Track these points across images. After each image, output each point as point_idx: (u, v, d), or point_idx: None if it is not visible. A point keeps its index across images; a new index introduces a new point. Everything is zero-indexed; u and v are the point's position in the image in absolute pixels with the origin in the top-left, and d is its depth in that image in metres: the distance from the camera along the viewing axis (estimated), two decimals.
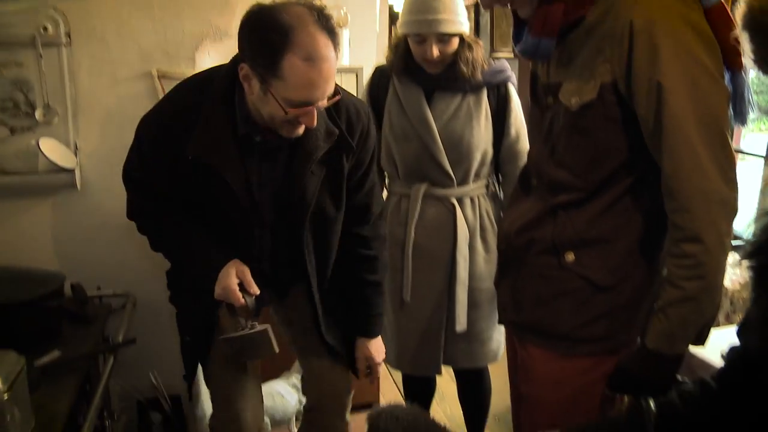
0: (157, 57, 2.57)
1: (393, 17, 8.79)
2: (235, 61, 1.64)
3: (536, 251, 1.64)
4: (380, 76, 2.49)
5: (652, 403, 0.95)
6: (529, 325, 1.73)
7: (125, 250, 2.55)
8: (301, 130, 1.65)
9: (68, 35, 2.45)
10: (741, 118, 1.46)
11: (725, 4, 1.38)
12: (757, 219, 1.06)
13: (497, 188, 2.58)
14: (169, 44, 2.56)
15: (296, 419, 2.70)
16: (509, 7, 1.58)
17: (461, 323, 2.45)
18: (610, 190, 1.53)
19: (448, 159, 2.39)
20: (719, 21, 1.37)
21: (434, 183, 2.43)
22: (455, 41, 2.30)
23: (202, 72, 1.84)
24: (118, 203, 2.47)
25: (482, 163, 2.44)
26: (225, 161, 1.68)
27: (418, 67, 2.36)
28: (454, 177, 2.41)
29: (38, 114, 2.42)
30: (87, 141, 2.49)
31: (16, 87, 2.42)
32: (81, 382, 1.89)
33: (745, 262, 0.91)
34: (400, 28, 2.35)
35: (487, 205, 2.50)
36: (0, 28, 2.35)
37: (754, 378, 0.78)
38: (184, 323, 1.97)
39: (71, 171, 2.37)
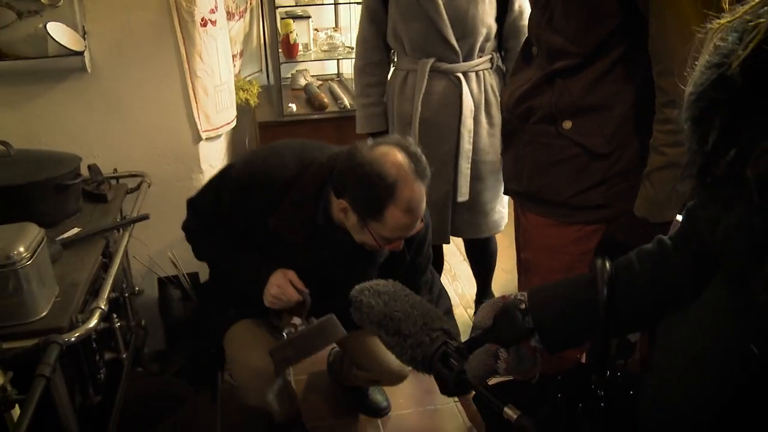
0: None
1: None
2: (332, 159, 1.84)
3: (535, 119, 1.68)
4: None
5: (607, 263, 0.99)
6: (529, 193, 1.78)
7: (138, 132, 2.60)
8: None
9: None
10: None
11: None
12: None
13: (501, 63, 2.59)
14: None
15: None
16: None
17: (463, 194, 2.53)
18: (606, 57, 1.55)
19: (454, 34, 2.40)
20: None
21: (440, 58, 2.45)
22: None
23: (299, 148, 1.96)
24: (129, 86, 2.55)
25: (487, 38, 2.45)
26: (299, 241, 1.88)
27: None
28: (459, 51, 2.44)
29: None
30: (94, 24, 2.49)
31: None
32: (100, 255, 1.98)
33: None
34: None
35: (491, 80, 2.53)
36: None
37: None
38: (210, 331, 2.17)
39: (81, 54, 2.39)
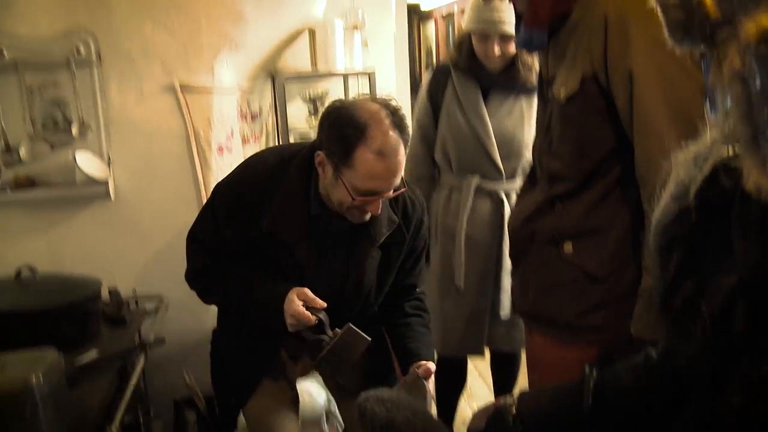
0: (179, 70, 2.70)
1: (421, 16, 8.90)
2: (313, 147, 1.80)
3: (539, 242, 1.70)
4: (440, 75, 2.65)
5: (594, 371, 1.02)
6: (534, 313, 1.79)
7: (157, 255, 2.70)
8: (367, 216, 1.78)
9: (98, 55, 2.60)
10: (714, 107, 1.49)
11: None
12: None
13: None
14: (189, 57, 2.70)
15: (326, 418, 2.79)
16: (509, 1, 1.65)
17: (505, 309, 2.58)
18: (602, 180, 1.58)
19: (500, 155, 2.51)
20: None
21: (485, 176, 2.55)
22: (513, 44, 2.40)
23: (279, 148, 2.01)
24: (150, 210, 2.65)
25: (529, 161, 2.55)
26: (296, 237, 1.80)
27: (478, 65, 2.49)
28: (503, 172, 2.53)
29: (74, 129, 2.58)
30: (119, 152, 2.64)
31: (55, 105, 2.58)
32: (116, 379, 2.01)
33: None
34: (465, 26, 2.48)
35: None
36: (39, 53, 2.52)
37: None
38: (227, 384, 2.06)
39: (105, 182, 2.52)
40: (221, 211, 1.88)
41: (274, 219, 1.78)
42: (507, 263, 2.54)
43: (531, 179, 1.82)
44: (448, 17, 8.09)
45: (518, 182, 2.55)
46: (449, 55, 2.65)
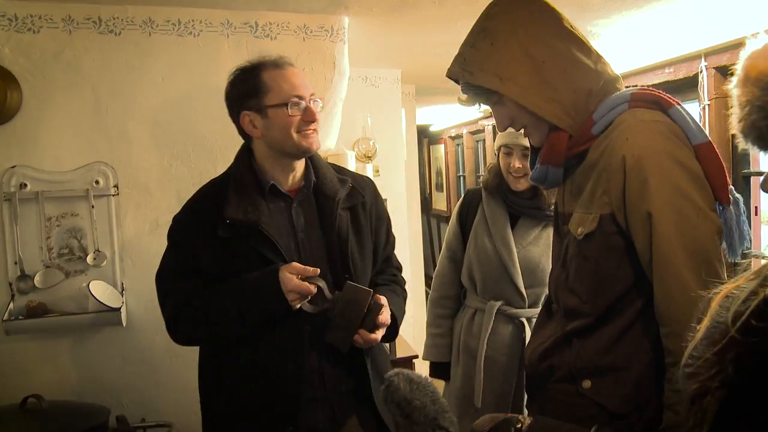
0: None
1: (431, 138, 9.18)
2: (243, 146, 1.99)
3: (556, 378, 1.68)
4: (471, 198, 2.78)
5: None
6: None
7: (167, 383, 2.73)
8: (315, 139, 1.90)
9: (116, 186, 2.73)
10: (732, 250, 1.52)
11: (712, 144, 1.50)
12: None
13: None
14: None
15: None
16: (524, 132, 1.69)
17: None
18: (620, 318, 1.58)
19: (524, 282, 2.57)
20: (707, 158, 1.48)
21: (508, 302, 2.61)
22: None
23: None
24: (159, 338, 2.70)
25: None
26: (258, 214, 1.85)
27: (507, 188, 2.59)
28: (526, 298, 2.58)
29: (89, 258, 2.68)
30: (132, 281, 2.72)
31: (72, 235, 2.69)
32: None
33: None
34: (495, 144, 2.63)
35: None
36: (62, 185, 2.65)
37: None
38: None
39: (117, 310, 2.59)
40: (180, 234, 1.94)
41: (233, 206, 1.84)
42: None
43: (548, 311, 1.82)
44: (457, 138, 8.36)
45: (539, 308, 2.59)
46: (482, 178, 2.78)
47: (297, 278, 1.78)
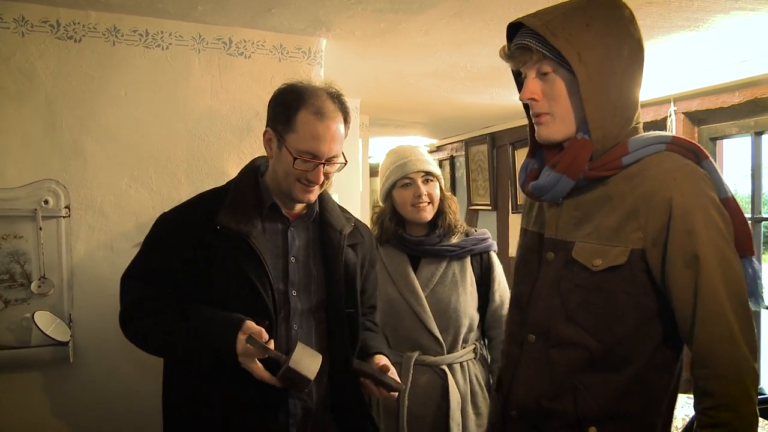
0: None
1: (370, 170, 9.11)
2: (254, 160, 1.96)
3: (558, 425, 1.61)
4: None
5: None
6: None
7: (117, 426, 2.46)
8: (312, 195, 1.83)
9: (68, 207, 2.48)
10: (755, 300, 1.51)
11: (735, 199, 1.51)
12: None
13: (485, 351, 2.62)
14: None
15: None
16: (538, 118, 1.61)
17: None
18: (631, 366, 1.54)
19: (437, 325, 2.42)
20: (733, 211, 1.49)
21: (425, 351, 2.45)
22: (437, 186, 2.47)
23: None
24: (111, 377, 2.46)
25: (470, 329, 2.50)
26: (251, 227, 1.79)
27: (403, 233, 2.45)
28: (444, 344, 2.44)
29: (34, 286, 2.40)
30: (81, 312, 2.47)
31: (13, 259, 2.41)
32: None
33: None
34: (383, 188, 2.46)
35: (476, 370, 2.54)
36: (5, 203, 2.38)
37: None
38: None
39: (65, 344, 2.32)
40: (165, 231, 1.88)
41: (227, 214, 1.79)
42: None
43: (516, 343, 1.74)
44: None
45: (460, 352, 2.49)
46: (373, 232, 2.57)
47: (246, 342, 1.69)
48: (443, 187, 2.55)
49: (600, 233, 1.54)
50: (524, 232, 1.82)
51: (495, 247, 2.62)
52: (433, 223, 2.50)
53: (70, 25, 2.48)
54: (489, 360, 2.64)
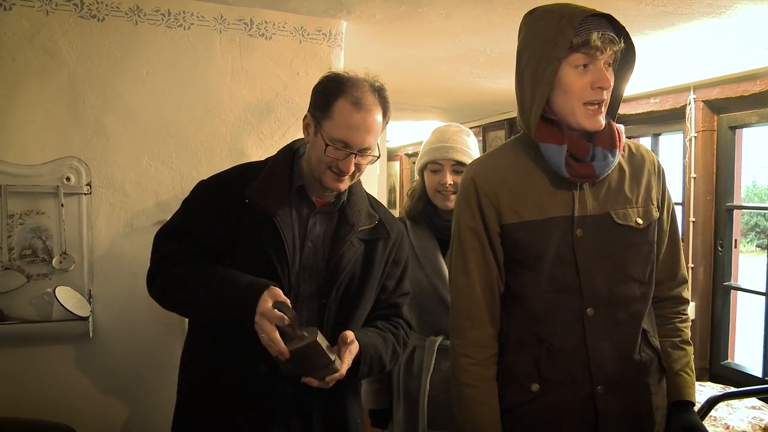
0: (174, 206, 2.58)
1: (387, 154, 9.12)
2: (293, 142, 1.96)
3: (646, 376, 1.75)
4: None
5: None
6: None
7: (134, 401, 2.50)
8: (342, 184, 1.82)
9: (89, 185, 2.51)
10: None
11: None
12: None
13: None
14: (185, 194, 2.57)
15: None
16: (599, 107, 1.66)
17: None
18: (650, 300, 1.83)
19: None
20: None
21: (448, 336, 2.43)
22: None
23: None
24: (129, 352, 2.49)
25: None
26: (277, 207, 1.80)
27: (433, 212, 2.43)
28: None
29: (55, 261, 2.44)
30: (101, 288, 2.50)
31: (36, 235, 2.45)
32: None
33: None
34: (418, 164, 2.44)
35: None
36: (28, 180, 2.42)
37: None
38: None
39: (85, 319, 2.36)
40: (200, 196, 1.90)
41: (257, 189, 1.81)
42: None
43: (568, 322, 1.71)
44: (414, 156, 8.29)
45: None
46: (404, 206, 2.58)
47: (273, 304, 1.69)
48: None
49: (636, 198, 1.75)
50: (531, 222, 1.73)
51: None
52: None
53: (94, 4, 2.50)
54: None
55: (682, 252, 1.88)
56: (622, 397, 1.69)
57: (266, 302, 1.68)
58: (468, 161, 2.36)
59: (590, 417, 1.68)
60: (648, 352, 1.75)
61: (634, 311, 1.72)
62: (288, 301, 1.70)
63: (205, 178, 1.94)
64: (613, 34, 1.61)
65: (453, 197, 2.37)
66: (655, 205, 1.77)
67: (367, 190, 2.11)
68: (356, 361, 1.81)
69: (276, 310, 1.66)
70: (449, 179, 2.36)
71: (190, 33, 2.63)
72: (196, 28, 2.63)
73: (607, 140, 1.69)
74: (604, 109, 1.67)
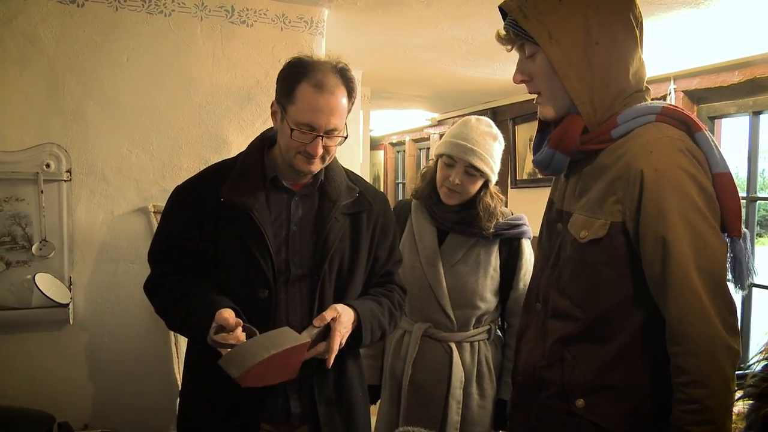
0: (155, 193, 2.63)
1: (370, 143, 9.10)
2: (266, 131, 1.95)
3: (547, 394, 1.62)
4: (400, 212, 2.56)
5: None
6: None
7: (114, 387, 2.50)
8: (313, 167, 1.82)
9: (69, 171, 2.51)
10: (739, 283, 1.49)
11: (732, 176, 1.46)
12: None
13: (502, 334, 2.58)
14: (166, 181, 2.63)
15: None
16: (535, 99, 1.62)
17: None
18: (619, 335, 1.53)
19: (451, 303, 2.40)
20: (725, 188, 1.45)
21: (435, 324, 2.43)
22: (479, 182, 2.37)
23: None
24: (109, 338, 2.49)
25: (485, 312, 2.45)
26: (253, 201, 1.80)
27: (436, 205, 2.43)
28: (455, 321, 2.42)
29: (35, 248, 2.44)
30: (81, 275, 2.50)
31: (15, 221, 2.44)
32: None
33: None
34: (437, 149, 2.43)
35: (486, 351, 2.48)
36: (7, 166, 2.40)
37: None
38: None
39: (65, 306, 2.36)
40: (177, 206, 1.89)
41: (231, 187, 1.81)
42: (453, 417, 2.41)
43: (527, 312, 1.76)
44: (398, 145, 8.29)
45: (471, 331, 2.45)
46: (414, 185, 2.58)
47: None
48: (491, 188, 2.48)
49: (589, 205, 1.54)
50: (550, 203, 1.81)
51: (530, 234, 2.55)
52: (466, 203, 2.44)
53: None
54: (504, 343, 2.60)
55: (689, 308, 1.41)
56: None
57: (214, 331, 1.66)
58: (484, 168, 2.33)
59: None
60: (553, 379, 1.61)
61: (561, 330, 1.60)
62: (227, 319, 1.65)
63: (182, 183, 1.93)
64: (507, 26, 1.58)
65: (456, 196, 2.37)
66: (611, 220, 1.50)
67: None
68: (357, 329, 1.84)
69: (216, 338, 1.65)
70: (458, 179, 2.33)
71: (171, 20, 2.62)
72: (177, 15, 2.62)
73: (552, 136, 1.60)
74: (543, 102, 1.60)
